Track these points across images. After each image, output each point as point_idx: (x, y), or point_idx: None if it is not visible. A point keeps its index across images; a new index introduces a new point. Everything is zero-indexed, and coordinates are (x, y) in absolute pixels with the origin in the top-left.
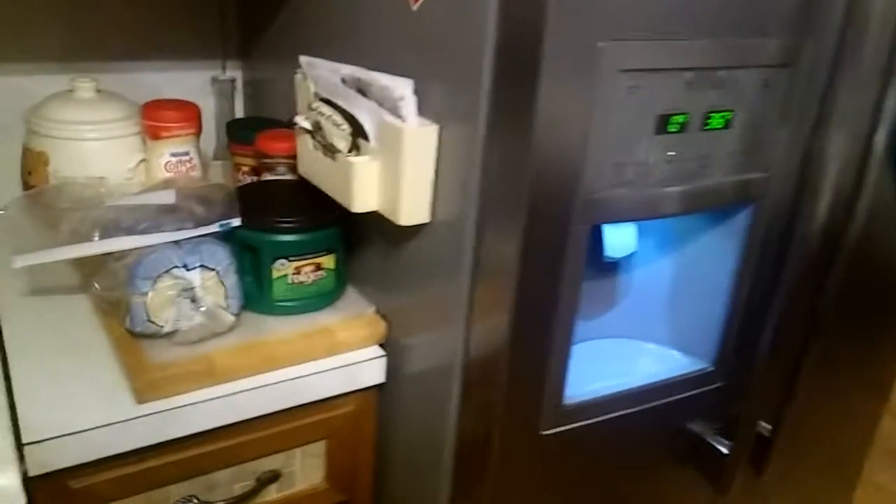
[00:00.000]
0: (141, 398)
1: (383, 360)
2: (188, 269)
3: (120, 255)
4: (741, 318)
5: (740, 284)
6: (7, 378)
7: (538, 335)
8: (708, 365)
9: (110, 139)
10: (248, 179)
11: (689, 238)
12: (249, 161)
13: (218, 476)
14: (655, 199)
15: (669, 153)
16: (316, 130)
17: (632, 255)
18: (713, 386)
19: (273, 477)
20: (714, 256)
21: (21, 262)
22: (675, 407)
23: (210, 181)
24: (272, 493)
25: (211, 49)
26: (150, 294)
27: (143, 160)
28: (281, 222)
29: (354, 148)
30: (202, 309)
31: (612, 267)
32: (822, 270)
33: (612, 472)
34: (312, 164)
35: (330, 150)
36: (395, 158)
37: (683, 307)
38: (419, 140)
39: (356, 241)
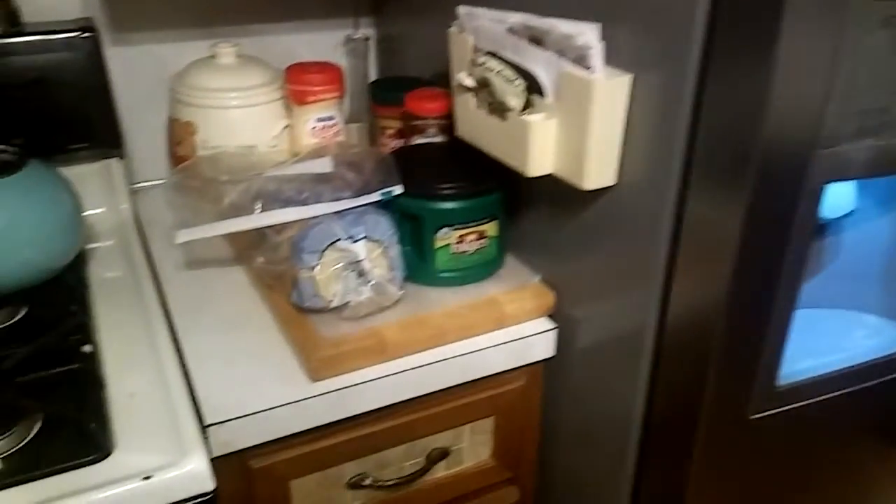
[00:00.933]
0: (315, 376)
1: (553, 334)
2: (353, 242)
3: (280, 227)
4: None
5: None
6: (180, 357)
7: (757, 307)
8: None
9: (255, 106)
10: (393, 143)
11: None
12: (395, 123)
13: (389, 454)
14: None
15: None
16: (481, 88)
17: (848, 214)
18: None
19: (442, 454)
20: None
21: (184, 237)
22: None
23: (360, 147)
24: (440, 470)
25: (342, 6)
26: (317, 268)
27: (287, 126)
28: (443, 189)
29: (528, 105)
30: (371, 283)
31: (822, 228)
32: None
33: (823, 459)
34: (476, 125)
35: (499, 108)
36: (579, 115)
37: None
38: (609, 93)
39: (518, 206)
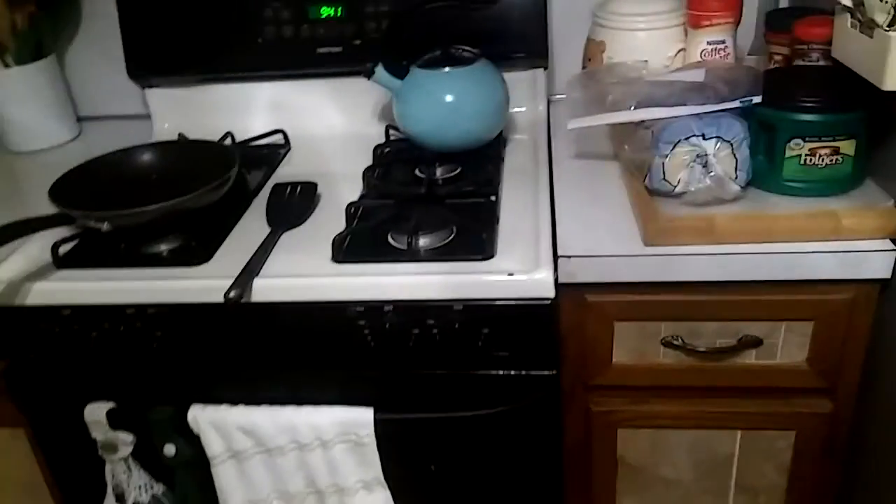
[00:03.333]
0: (649, 241)
1: (891, 255)
2: (705, 139)
3: (649, 123)
4: None
5: None
6: (552, 212)
7: None
8: None
9: (657, 29)
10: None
11: None
12: (783, 50)
13: (703, 326)
14: None
15: None
16: (857, 6)
17: None
18: None
19: (754, 342)
20: None
21: (573, 125)
22: None
23: (737, 63)
24: (752, 357)
25: None
26: (668, 156)
27: (682, 49)
28: (800, 101)
29: None
30: (711, 174)
31: None
32: None
33: None
34: (848, 45)
35: (868, 25)
36: None
37: None
38: None
39: (886, 130)
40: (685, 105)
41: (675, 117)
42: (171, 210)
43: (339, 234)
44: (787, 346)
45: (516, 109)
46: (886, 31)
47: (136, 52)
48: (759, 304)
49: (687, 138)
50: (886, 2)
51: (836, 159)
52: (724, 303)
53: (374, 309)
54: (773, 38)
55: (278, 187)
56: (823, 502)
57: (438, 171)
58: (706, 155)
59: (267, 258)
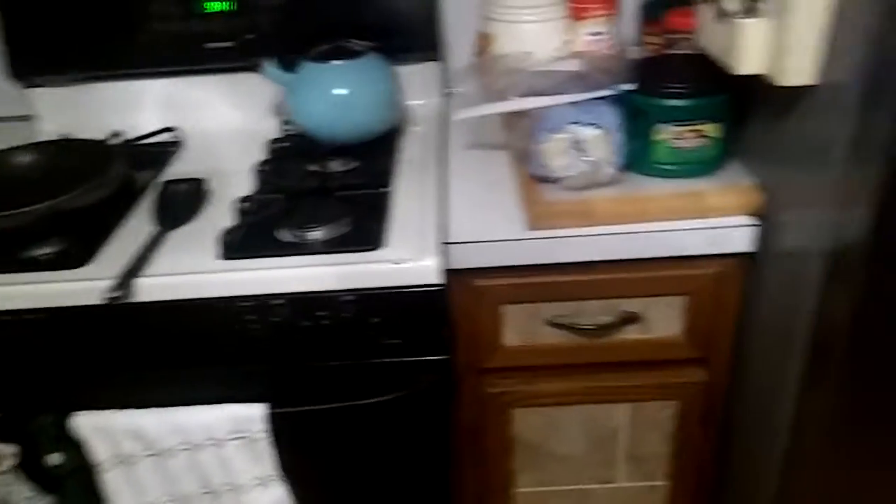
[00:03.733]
0: (531, 226)
1: (750, 230)
2: (581, 126)
3: (532, 112)
4: None
5: None
6: (445, 201)
7: None
8: None
9: (543, 22)
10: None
11: None
12: (658, 39)
13: (585, 305)
14: None
15: None
16: None
17: None
18: None
19: (633, 318)
20: None
21: (460, 116)
22: None
23: (613, 54)
24: (632, 332)
25: None
26: (547, 144)
27: (567, 41)
28: (666, 88)
29: (750, 11)
30: (587, 160)
31: None
32: None
33: None
34: (708, 33)
35: (722, 14)
36: (786, 11)
37: None
38: None
39: (745, 113)
40: (563, 94)
41: (554, 106)
42: (48, 212)
43: (225, 230)
44: (664, 320)
45: (413, 102)
46: (738, 19)
47: (19, 51)
48: (636, 282)
49: (564, 126)
50: None
51: (703, 142)
52: (603, 281)
53: (261, 304)
54: (648, 29)
55: (165, 185)
56: (705, 467)
57: (334, 165)
58: (582, 141)
59: (151, 257)
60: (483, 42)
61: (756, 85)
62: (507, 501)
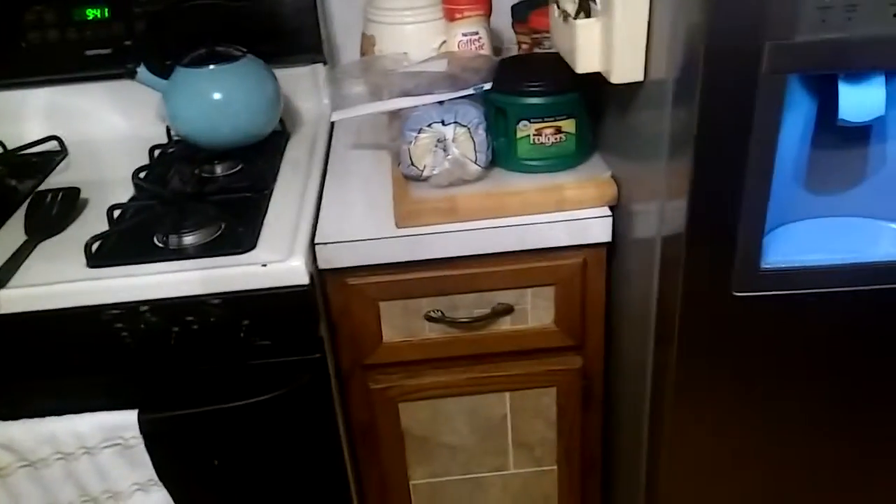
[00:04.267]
0: (400, 223)
1: (608, 220)
2: (444, 125)
3: (402, 113)
4: None
5: None
6: (320, 202)
7: (723, 202)
8: None
9: (421, 23)
10: None
11: None
12: (526, 39)
13: (459, 299)
14: (868, 44)
15: None
16: None
17: (882, 120)
18: None
19: (506, 309)
20: None
21: (336, 117)
22: None
23: (479, 54)
24: (507, 323)
25: None
26: (413, 143)
27: (445, 41)
28: (523, 86)
29: (585, 11)
30: (450, 157)
31: (860, 136)
32: None
33: (815, 352)
34: (556, 33)
35: (564, 15)
36: (610, 11)
37: None
38: None
39: (601, 109)
40: (428, 94)
41: (421, 106)
42: None
43: (93, 238)
44: (536, 310)
45: (300, 104)
46: (573, 20)
47: None
48: (505, 274)
49: (429, 125)
50: None
51: (560, 137)
52: (473, 275)
53: (130, 311)
54: (518, 29)
55: (38, 195)
56: (591, 448)
57: (217, 169)
58: (446, 140)
59: (18, 268)
60: (366, 44)
61: (605, 82)
62: (405, 494)
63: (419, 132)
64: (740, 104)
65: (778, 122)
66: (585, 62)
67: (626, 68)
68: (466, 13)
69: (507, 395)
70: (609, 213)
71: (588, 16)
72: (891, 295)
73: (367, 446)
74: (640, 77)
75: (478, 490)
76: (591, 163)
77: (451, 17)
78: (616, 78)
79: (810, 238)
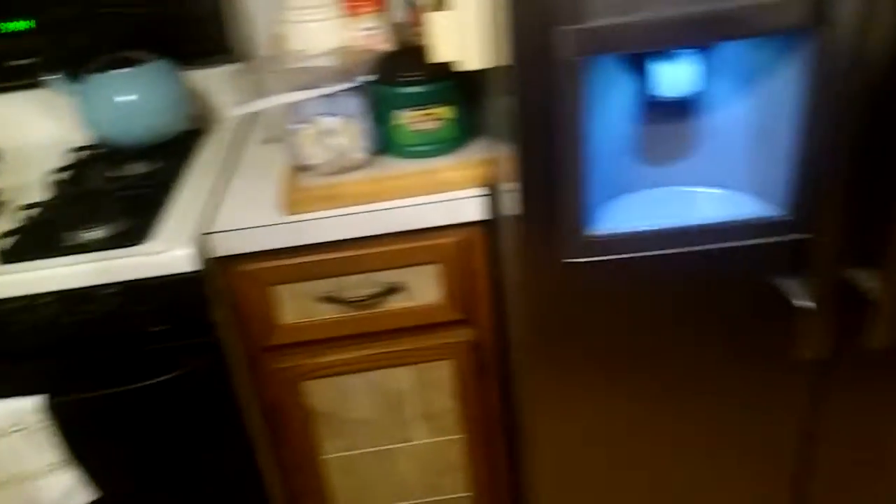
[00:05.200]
0: (288, 211)
1: (481, 200)
2: (328, 116)
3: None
4: (814, 162)
5: (813, 123)
6: (221, 194)
7: (550, 179)
8: (785, 212)
9: (325, 20)
10: None
11: (759, 75)
12: (419, 31)
13: (348, 280)
14: (666, 24)
15: None
16: None
17: (699, 96)
18: (790, 237)
19: (396, 288)
20: (782, 95)
21: (235, 112)
22: (742, 254)
23: (368, 49)
24: (399, 301)
25: None
26: (299, 134)
27: (346, 36)
28: (399, 77)
29: (438, 5)
30: (333, 147)
31: (685, 110)
32: None
33: (656, 317)
34: (426, 25)
35: (425, 7)
36: (455, 3)
37: (758, 152)
38: None
39: (478, 96)
40: (316, 88)
41: (308, 100)
42: None
43: (2, 235)
44: (424, 287)
45: (215, 103)
46: (430, 12)
47: None
48: (390, 255)
49: (313, 117)
50: None
51: (439, 124)
52: (360, 257)
53: (31, 304)
54: (414, 21)
55: None
56: (493, 416)
57: (130, 168)
58: (328, 130)
59: None
60: (276, 42)
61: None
62: (318, 469)
63: (305, 124)
64: (548, 88)
65: (581, 103)
66: (442, 52)
67: (471, 58)
68: (364, 9)
69: (407, 369)
70: (480, 192)
71: (440, 8)
72: (707, 255)
73: (277, 425)
74: (481, 66)
75: (388, 461)
76: (474, 146)
77: (350, 12)
78: (461, 66)
79: (641, 207)
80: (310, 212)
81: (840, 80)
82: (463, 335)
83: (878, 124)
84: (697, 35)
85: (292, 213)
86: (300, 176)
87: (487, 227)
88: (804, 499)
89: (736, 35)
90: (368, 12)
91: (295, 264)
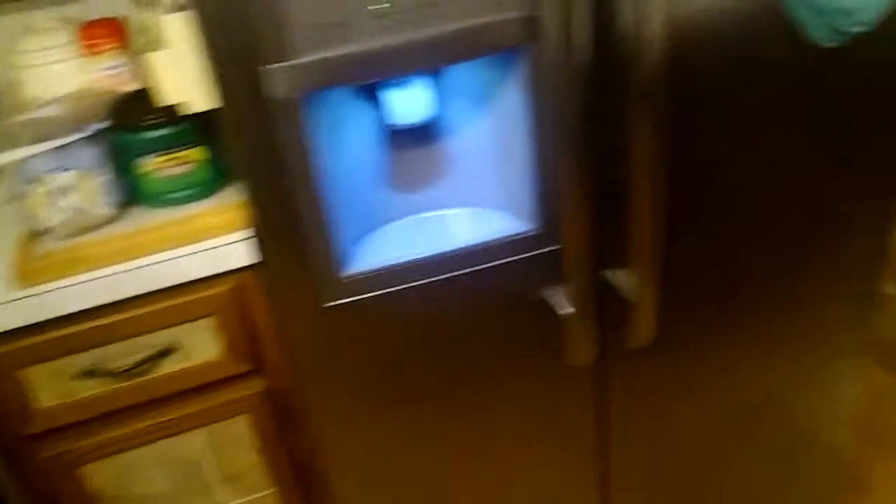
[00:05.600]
0: (23, 283)
1: (247, 243)
2: (60, 172)
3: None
4: (551, 172)
5: (541, 135)
6: None
7: (288, 223)
8: (535, 226)
9: (64, 61)
10: None
11: (490, 94)
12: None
13: (112, 349)
14: (375, 55)
15: (376, 6)
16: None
17: (438, 119)
18: (546, 249)
19: (166, 350)
20: (512, 111)
21: None
22: (505, 271)
23: (101, 92)
24: (175, 363)
25: None
26: (29, 196)
27: (88, 78)
28: (139, 121)
29: (151, 46)
30: (71, 206)
31: (428, 136)
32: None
33: (431, 345)
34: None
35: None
36: (165, 44)
37: (503, 169)
38: (172, 27)
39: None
40: (43, 141)
41: (34, 156)
42: None
43: None
44: (200, 343)
45: None
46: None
47: None
48: (156, 315)
49: (43, 174)
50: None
51: (190, 167)
52: (122, 322)
53: None
54: None
55: None
56: (303, 464)
57: None
58: (61, 188)
59: None
60: (11, 91)
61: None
62: None
63: (34, 183)
64: (268, 129)
65: (308, 141)
66: (164, 94)
67: (195, 100)
68: (104, 47)
69: (198, 432)
70: (247, 235)
71: (153, 49)
72: (472, 276)
73: None
74: (207, 107)
75: None
76: (235, 187)
77: (89, 52)
78: (187, 109)
79: (399, 238)
80: (49, 281)
81: (557, 90)
82: (254, 386)
83: (598, 128)
84: (408, 63)
85: (27, 286)
86: (37, 242)
87: (261, 270)
88: (610, 495)
89: (448, 60)
90: (109, 50)
91: (43, 342)
